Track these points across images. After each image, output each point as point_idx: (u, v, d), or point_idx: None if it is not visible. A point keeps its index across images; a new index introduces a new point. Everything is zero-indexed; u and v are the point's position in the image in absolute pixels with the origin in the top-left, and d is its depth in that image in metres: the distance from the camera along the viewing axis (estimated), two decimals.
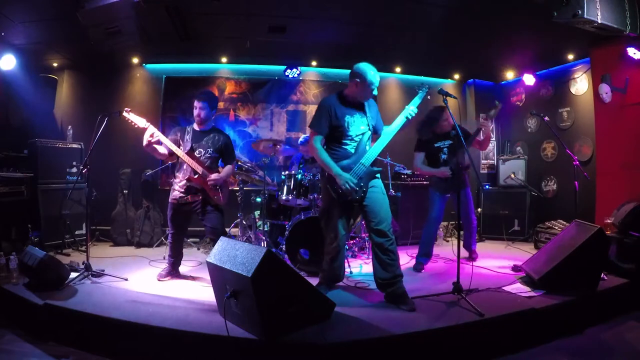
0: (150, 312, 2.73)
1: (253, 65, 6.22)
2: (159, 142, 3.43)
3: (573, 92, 5.61)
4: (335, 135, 3.09)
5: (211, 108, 3.68)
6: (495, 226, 5.69)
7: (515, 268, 3.90)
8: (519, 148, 6.46)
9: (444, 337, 2.52)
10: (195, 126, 3.70)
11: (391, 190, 5.22)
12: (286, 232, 3.98)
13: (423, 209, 5.54)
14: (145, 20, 4.21)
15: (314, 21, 4.79)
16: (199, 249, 5.11)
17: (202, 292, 3.29)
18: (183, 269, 3.88)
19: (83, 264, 3.58)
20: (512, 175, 5.86)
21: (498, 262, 4.30)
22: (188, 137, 3.61)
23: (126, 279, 3.55)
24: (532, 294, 3.12)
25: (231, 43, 5.53)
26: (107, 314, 2.63)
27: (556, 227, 4.80)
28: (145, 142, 3.37)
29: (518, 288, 3.29)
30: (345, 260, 4.04)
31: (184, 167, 3.57)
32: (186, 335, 2.41)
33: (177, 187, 3.59)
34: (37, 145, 4.77)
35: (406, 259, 4.60)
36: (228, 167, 3.77)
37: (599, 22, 3.44)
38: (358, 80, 3.07)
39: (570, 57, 5.50)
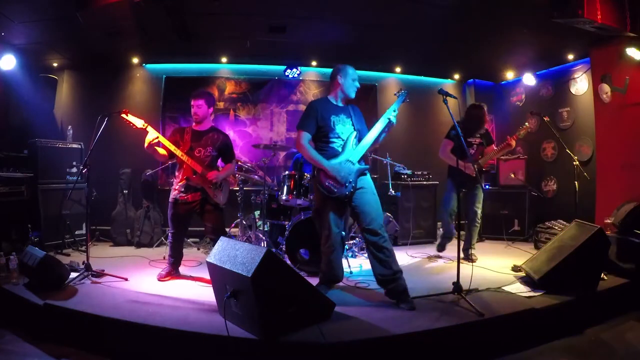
0: (150, 312, 2.73)
1: (253, 65, 6.22)
2: (159, 144, 3.43)
3: (573, 92, 5.61)
4: (322, 134, 3.16)
5: (208, 106, 3.68)
6: (495, 226, 5.69)
7: (515, 268, 3.90)
8: (518, 148, 6.45)
9: (444, 337, 2.52)
10: (194, 126, 3.70)
11: (391, 190, 5.22)
12: (286, 232, 3.98)
13: (423, 208, 5.58)
14: (145, 20, 4.21)
15: (314, 21, 4.79)
16: (199, 249, 5.11)
17: (202, 292, 3.29)
18: (183, 269, 3.88)
19: (83, 264, 3.58)
20: (512, 175, 5.86)
21: (498, 262, 4.30)
22: (187, 137, 3.61)
23: (126, 279, 3.55)
24: (532, 294, 3.12)
25: (231, 43, 5.53)
26: (107, 314, 2.63)
27: (556, 227, 4.79)
28: (146, 144, 3.37)
29: (518, 288, 3.29)
30: (345, 260, 4.06)
31: (184, 166, 3.57)
32: (186, 335, 2.41)
33: (177, 186, 3.59)
34: (37, 145, 4.77)
35: (406, 258, 4.60)
36: (228, 166, 3.78)
37: (599, 22, 3.44)
38: (340, 76, 3.20)
39: (570, 57, 5.50)
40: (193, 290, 3.36)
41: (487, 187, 6.04)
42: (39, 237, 4.44)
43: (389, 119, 3.17)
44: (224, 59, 5.99)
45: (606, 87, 4.70)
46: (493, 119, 6.79)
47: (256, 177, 5.05)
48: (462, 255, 4.31)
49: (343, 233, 3.29)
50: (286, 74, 6.11)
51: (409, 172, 5.69)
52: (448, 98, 3.19)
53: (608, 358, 2.62)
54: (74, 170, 5.09)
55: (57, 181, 4.91)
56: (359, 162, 3.14)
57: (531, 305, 2.87)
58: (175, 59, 6.03)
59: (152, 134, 3.36)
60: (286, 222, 4.48)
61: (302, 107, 6.38)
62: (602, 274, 3.39)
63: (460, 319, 2.64)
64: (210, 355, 2.40)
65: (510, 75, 6.50)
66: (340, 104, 3.27)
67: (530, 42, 5.08)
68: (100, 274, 3.56)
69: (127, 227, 5.30)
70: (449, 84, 6.84)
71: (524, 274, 3.63)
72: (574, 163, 4.09)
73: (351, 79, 3.21)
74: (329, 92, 3.33)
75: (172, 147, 3.48)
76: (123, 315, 2.62)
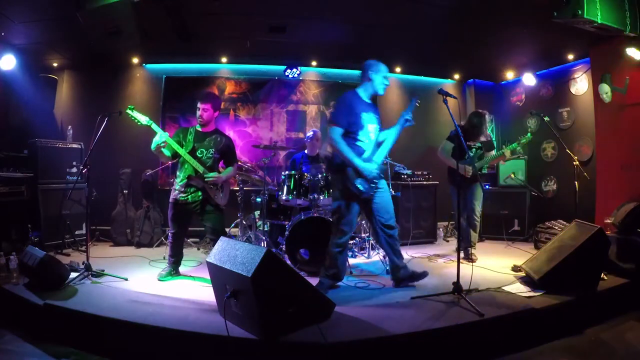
0: (150, 312, 2.73)
1: (253, 65, 6.22)
2: (166, 145, 3.43)
3: (573, 92, 5.61)
4: (351, 131, 3.16)
5: (214, 110, 3.69)
6: (495, 226, 5.69)
7: (515, 268, 3.90)
8: (518, 148, 6.45)
9: (444, 337, 2.52)
10: (198, 127, 3.71)
11: (391, 190, 5.21)
12: (286, 232, 3.98)
13: (423, 209, 5.58)
14: (145, 20, 4.21)
15: (314, 21, 4.79)
16: (199, 249, 5.11)
17: (202, 292, 3.29)
18: (183, 269, 3.88)
19: (83, 264, 3.58)
20: (512, 175, 5.86)
21: (498, 262, 4.30)
22: (190, 137, 3.62)
23: (126, 279, 3.55)
24: (532, 294, 3.12)
25: (231, 43, 5.53)
26: (107, 314, 2.63)
27: (556, 227, 4.79)
28: (154, 146, 3.37)
29: (518, 288, 3.29)
30: (346, 260, 4.07)
31: (185, 166, 3.57)
32: (186, 335, 2.41)
33: (178, 186, 3.59)
34: (37, 145, 4.77)
35: (406, 258, 4.56)
36: (230, 169, 3.79)
37: (599, 22, 3.44)
38: (373, 71, 3.21)
39: (570, 57, 5.50)
40: (193, 290, 3.36)
41: (487, 187, 6.05)
42: (39, 237, 4.44)
43: (406, 119, 3.27)
44: (224, 59, 5.99)
45: (606, 87, 4.70)
46: (494, 119, 6.80)
47: (256, 177, 5.06)
48: (462, 254, 4.35)
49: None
50: (286, 74, 6.11)
51: (409, 172, 5.69)
52: (448, 98, 3.20)
53: (608, 358, 2.62)
54: (74, 170, 5.09)
55: (57, 181, 4.91)
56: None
57: (531, 305, 2.87)
58: (175, 59, 6.03)
59: (159, 136, 3.36)
60: (286, 222, 4.49)
61: (302, 107, 6.39)
62: (602, 274, 3.39)
63: (460, 319, 2.64)
64: (210, 355, 2.40)
65: (510, 75, 6.50)
66: (368, 101, 3.29)
67: (530, 42, 5.08)
68: (100, 274, 3.56)
69: (127, 227, 5.30)
70: (449, 84, 6.84)
71: (524, 274, 3.63)
72: (574, 163, 4.09)
73: (382, 76, 3.23)
74: (358, 86, 3.32)
75: (176, 147, 3.48)
76: (123, 315, 2.62)
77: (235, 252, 2.53)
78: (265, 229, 4.59)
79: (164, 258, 4.24)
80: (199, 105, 3.63)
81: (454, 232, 6.05)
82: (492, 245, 5.36)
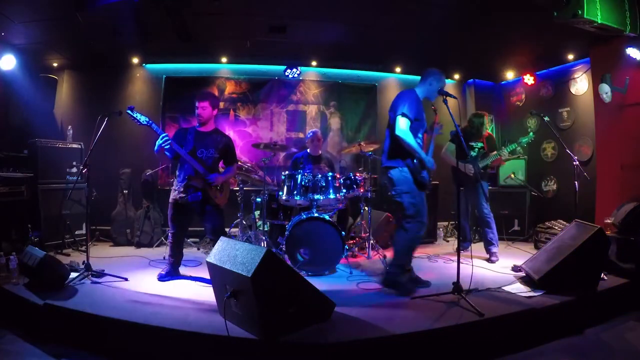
0: (150, 312, 2.73)
1: (253, 65, 6.22)
2: (169, 147, 3.43)
3: (573, 92, 5.61)
4: (415, 126, 3.29)
5: (212, 108, 3.69)
6: (495, 226, 5.67)
7: (515, 268, 3.90)
8: (518, 148, 6.45)
9: (444, 337, 2.52)
10: (198, 127, 3.71)
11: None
12: (286, 232, 3.98)
13: None
14: (145, 20, 4.21)
15: (314, 21, 4.79)
16: (199, 249, 5.11)
17: (202, 292, 3.29)
18: (183, 269, 3.87)
19: (83, 264, 3.58)
20: (512, 175, 5.85)
21: (498, 262, 4.31)
22: (190, 137, 3.62)
23: (126, 279, 3.55)
24: (532, 294, 3.12)
25: (231, 43, 5.53)
26: (107, 314, 2.63)
27: (556, 227, 4.80)
28: (157, 148, 3.38)
29: (518, 288, 3.30)
30: (346, 260, 4.07)
31: (185, 167, 3.58)
32: (186, 335, 2.41)
33: (178, 187, 3.59)
34: (37, 145, 4.77)
35: None
36: (230, 169, 3.79)
37: (599, 22, 3.44)
38: (434, 80, 3.39)
39: (570, 57, 5.50)
40: (193, 290, 3.36)
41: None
42: (39, 237, 4.43)
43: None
44: (224, 59, 5.99)
45: (606, 87, 4.69)
46: (493, 119, 6.80)
47: (256, 177, 5.06)
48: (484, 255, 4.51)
49: None
50: (286, 74, 6.11)
51: None
52: (448, 98, 3.20)
53: (608, 358, 2.62)
54: (74, 170, 5.09)
55: (57, 181, 4.91)
56: None
57: (531, 305, 2.87)
58: (175, 59, 6.03)
59: (162, 139, 3.37)
60: (286, 222, 4.49)
61: (302, 107, 6.39)
62: (602, 274, 3.39)
63: (460, 319, 2.64)
64: (210, 355, 2.40)
65: (510, 75, 6.49)
66: (421, 99, 3.45)
67: (530, 42, 5.08)
68: (100, 274, 3.55)
69: (127, 227, 5.30)
70: (449, 84, 6.82)
71: (524, 274, 3.63)
72: (574, 163, 4.10)
73: (437, 88, 3.38)
74: (416, 86, 3.48)
75: (177, 147, 3.48)
76: (123, 315, 2.62)
77: (235, 252, 2.53)
78: (265, 229, 4.59)
79: (164, 258, 4.24)
80: (196, 103, 3.65)
81: (453, 232, 6.05)
82: None
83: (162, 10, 4.00)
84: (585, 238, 3.18)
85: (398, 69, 6.47)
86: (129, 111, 3.41)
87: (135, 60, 5.90)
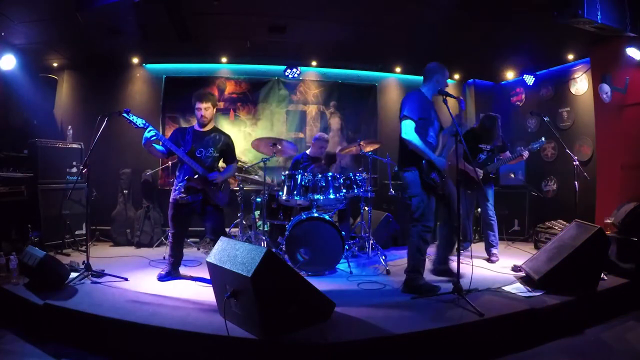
0: (150, 312, 2.73)
1: (253, 65, 6.22)
2: (157, 142, 3.42)
3: (573, 92, 5.61)
4: (422, 126, 3.28)
5: (214, 107, 3.69)
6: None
7: (515, 268, 3.90)
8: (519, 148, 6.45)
9: (444, 337, 2.52)
10: (197, 126, 3.70)
11: (391, 190, 5.22)
12: (286, 232, 3.98)
13: None
14: (145, 20, 4.21)
15: (314, 21, 4.79)
16: (199, 249, 5.11)
17: (202, 292, 3.29)
18: (183, 269, 3.87)
19: (83, 264, 3.58)
20: (512, 176, 5.86)
21: (498, 262, 4.31)
22: (189, 137, 3.61)
23: (126, 279, 3.55)
24: (532, 294, 3.12)
25: (231, 43, 5.53)
26: (107, 314, 2.63)
27: (556, 227, 4.79)
28: (144, 141, 3.36)
29: (518, 288, 3.29)
30: (346, 260, 4.07)
31: (185, 167, 3.57)
32: (186, 335, 2.41)
33: (178, 187, 3.59)
34: (37, 145, 4.77)
35: (406, 259, 4.58)
36: (230, 167, 3.79)
37: (599, 22, 3.44)
38: (439, 75, 3.39)
39: (570, 57, 5.50)
40: (193, 290, 3.36)
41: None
42: (39, 237, 4.43)
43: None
44: (224, 59, 5.99)
45: (606, 87, 4.69)
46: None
47: (256, 177, 5.06)
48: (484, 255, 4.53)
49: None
50: (286, 74, 6.11)
51: None
52: (448, 98, 3.20)
53: (608, 358, 2.62)
54: (74, 170, 5.09)
55: (57, 181, 4.91)
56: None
57: (531, 305, 2.87)
58: (175, 59, 6.03)
59: (149, 131, 3.33)
60: (286, 222, 4.49)
61: (302, 107, 6.39)
62: (602, 274, 3.39)
63: (460, 319, 2.64)
64: (210, 355, 2.40)
65: (510, 75, 6.49)
66: (431, 99, 3.42)
67: (530, 42, 5.07)
68: (100, 274, 3.55)
69: (127, 227, 5.30)
70: (449, 84, 6.80)
71: (524, 274, 3.63)
72: (574, 163, 4.10)
73: (444, 82, 3.41)
74: (422, 85, 3.46)
75: (173, 147, 3.47)
76: (123, 315, 2.62)
77: (235, 252, 2.53)
78: (265, 229, 4.59)
79: (164, 258, 4.24)
80: (199, 105, 3.58)
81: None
82: None
83: (161, 9, 4.01)
84: (585, 238, 3.18)
85: (398, 69, 6.47)
86: (124, 114, 3.34)
87: (135, 60, 5.90)
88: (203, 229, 3.82)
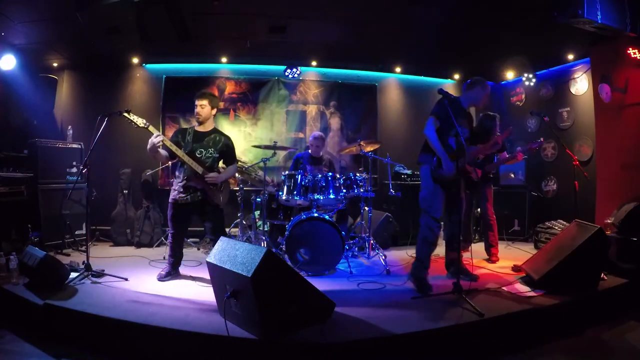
0: (150, 312, 2.73)
1: (253, 65, 6.22)
2: (162, 146, 3.42)
3: (573, 92, 5.61)
4: (445, 130, 3.37)
5: (211, 107, 3.69)
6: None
7: (515, 268, 3.90)
8: (518, 148, 6.45)
9: (444, 337, 2.52)
10: (197, 127, 3.71)
11: (391, 190, 5.23)
12: (286, 232, 3.98)
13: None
14: (145, 20, 4.21)
15: (314, 21, 4.79)
16: (199, 249, 5.11)
17: (202, 292, 3.29)
18: (183, 269, 3.87)
19: (83, 264, 3.58)
20: (512, 175, 5.86)
21: (498, 262, 4.31)
22: (189, 137, 3.62)
23: (126, 279, 3.55)
24: (532, 294, 3.12)
25: (231, 43, 5.53)
26: (107, 314, 2.63)
27: (556, 227, 4.80)
28: (149, 146, 3.36)
29: (518, 288, 3.29)
30: (346, 260, 4.07)
31: (185, 167, 3.57)
32: (186, 335, 2.41)
33: (177, 187, 3.59)
34: (37, 145, 4.76)
35: (406, 258, 4.59)
36: (229, 168, 3.79)
37: (599, 22, 3.44)
38: (480, 88, 3.63)
39: (570, 57, 5.50)
40: (193, 290, 3.36)
41: None
42: (39, 237, 4.43)
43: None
44: (224, 59, 5.99)
45: (606, 87, 4.70)
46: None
47: (256, 177, 5.06)
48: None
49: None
50: (286, 74, 6.11)
51: (409, 172, 5.69)
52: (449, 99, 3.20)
53: (608, 358, 2.62)
54: (74, 170, 5.09)
55: (57, 181, 4.91)
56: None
57: (531, 305, 2.87)
58: (175, 59, 6.03)
59: (156, 137, 3.35)
60: (286, 222, 4.48)
61: (302, 107, 6.39)
62: (602, 274, 3.39)
63: (460, 319, 2.64)
64: (210, 355, 2.40)
65: (510, 75, 6.49)
66: (466, 109, 3.63)
67: (530, 42, 5.08)
68: (100, 274, 3.55)
69: (127, 227, 5.30)
70: (449, 84, 6.83)
71: (524, 274, 3.63)
72: (574, 163, 4.10)
73: (486, 94, 3.65)
74: (461, 95, 3.70)
75: (174, 148, 3.48)
76: (123, 315, 2.62)
77: (235, 252, 2.53)
78: (265, 229, 4.59)
79: (164, 258, 4.24)
80: (195, 102, 3.66)
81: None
82: None
83: (162, 9, 4.01)
84: (585, 238, 3.18)
85: (398, 69, 6.47)
86: (125, 114, 3.38)
87: (135, 60, 5.90)
88: (203, 229, 3.82)
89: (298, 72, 6.11)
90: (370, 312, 2.81)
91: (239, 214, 4.90)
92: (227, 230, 4.79)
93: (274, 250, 3.67)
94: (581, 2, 3.35)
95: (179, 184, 3.58)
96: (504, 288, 3.31)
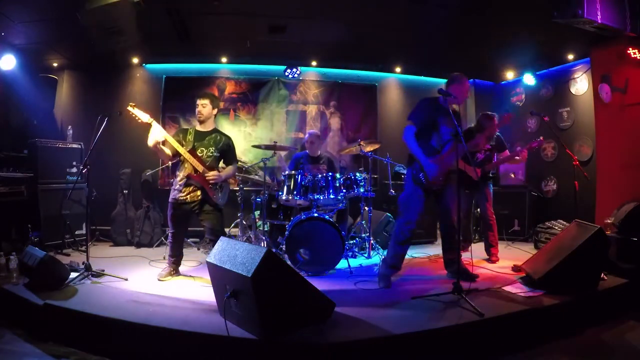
0: (150, 312, 2.73)
1: (253, 65, 6.22)
2: (164, 142, 3.44)
3: (573, 92, 5.61)
4: (425, 132, 3.39)
5: (213, 107, 3.70)
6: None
7: (515, 268, 3.90)
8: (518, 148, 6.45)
9: (444, 337, 2.52)
10: (198, 126, 3.72)
11: (391, 190, 5.23)
12: (286, 232, 3.98)
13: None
14: (145, 20, 4.21)
15: (314, 21, 4.79)
16: (199, 249, 5.11)
17: (202, 292, 3.29)
18: (183, 269, 3.87)
19: (83, 264, 3.58)
20: (512, 175, 5.86)
21: (498, 262, 4.31)
22: (190, 137, 3.63)
23: (126, 279, 3.55)
24: (532, 294, 3.12)
25: (231, 43, 5.53)
26: (107, 314, 2.63)
27: (556, 227, 4.79)
28: (151, 142, 3.37)
29: (518, 288, 3.29)
30: (346, 260, 4.07)
31: (185, 166, 3.58)
32: (186, 335, 2.41)
33: (177, 186, 3.59)
34: (37, 145, 4.76)
35: (406, 258, 4.58)
36: (230, 168, 3.80)
37: (599, 22, 3.44)
38: (458, 84, 3.50)
39: (570, 57, 5.50)
40: (193, 290, 3.36)
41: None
42: (39, 237, 4.43)
43: None
44: (224, 59, 5.99)
45: (606, 87, 4.70)
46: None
47: (256, 177, 5.06)
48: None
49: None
50: (286, 74, 6.11)
51: None
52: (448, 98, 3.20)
53: (608, 358, 2.62)
54: (74, 170, 5.09)
55: (57, 181, 4.91)
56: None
57: (531, 305, 2.87)
58: (175, 59, 6.03)
59: (157, 132, 3.36)
60: (286, 222, 4.48)
61: (302, 107, 6.39)
62: (602, 274, 3.39)
63: (460, 319, 2.64)
64: (210, 355, 2.40)
65: (510, 75, 6.50)
66: (447, 107, 3.44)
67: (530, 42, 5.08)
68: (100, 274, 3.56)
69: (127, 227, 5.30)
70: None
71: (524, 274, 3.63)
72: (574, 163, 4.10)
73: (465, 90, 3.55)
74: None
75: (176, 145, 3.49)
76: (123, 315, 2.62)
77: (235, 252, 2.53)
78: (265, 229, 4.59)
79: (164, 258, 4.24)
80: (197, 102, 3.67)
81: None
82: None
83: (162, 9, 4.01)
84: (585, 238, 3.18)
85: (398, 69, 6.48)
86: (129, 108, 3.44)
87: (135, 60, 5.90)
88: (203, 229, 3.82)
89: (298, 72, 6.11)
90: (370, 312, 2.81)
91: (239, 214, 4.90)
92: (227, 230, 4.79)
93: (274, 250, 3.67)
94: (581, 2, 3.36)
95: (179, 183, 3.59)
96: (504, 288, 3.30)
